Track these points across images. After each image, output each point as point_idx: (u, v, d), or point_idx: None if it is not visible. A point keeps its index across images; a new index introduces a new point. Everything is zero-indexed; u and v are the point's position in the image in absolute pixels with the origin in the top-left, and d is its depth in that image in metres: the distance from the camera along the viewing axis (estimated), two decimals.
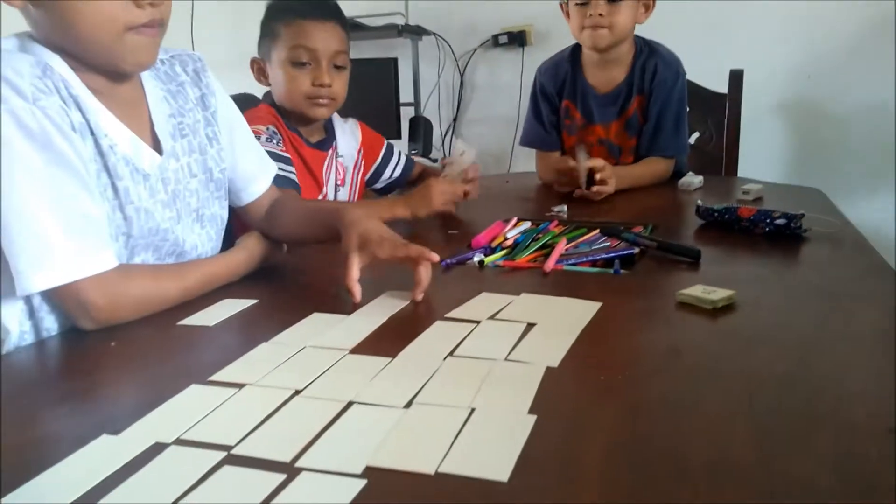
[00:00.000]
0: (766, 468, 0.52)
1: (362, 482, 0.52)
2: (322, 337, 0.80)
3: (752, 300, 0.87)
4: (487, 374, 0.69)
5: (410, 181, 1.70)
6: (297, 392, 0.66)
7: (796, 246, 1.11)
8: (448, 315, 0.84)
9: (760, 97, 2.53)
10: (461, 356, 0.73)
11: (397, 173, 1.67)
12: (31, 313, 0.90)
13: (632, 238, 1.10)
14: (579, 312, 0.84)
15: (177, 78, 1.04)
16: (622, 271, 1.01)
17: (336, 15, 1.44)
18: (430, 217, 1.37)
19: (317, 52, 1.40)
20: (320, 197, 1.46)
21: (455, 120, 3.20)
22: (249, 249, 1.05)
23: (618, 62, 1.72)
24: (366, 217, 0.97)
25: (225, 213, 1.10)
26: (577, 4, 1.65)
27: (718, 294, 0.85)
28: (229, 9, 3.16)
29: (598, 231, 1.18)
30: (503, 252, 1.13)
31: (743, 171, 2.02)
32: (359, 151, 1.60)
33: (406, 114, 3.00)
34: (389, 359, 0.73)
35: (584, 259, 1.06)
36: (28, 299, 0.89)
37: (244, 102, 1.28)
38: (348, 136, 1.59)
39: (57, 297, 0.86)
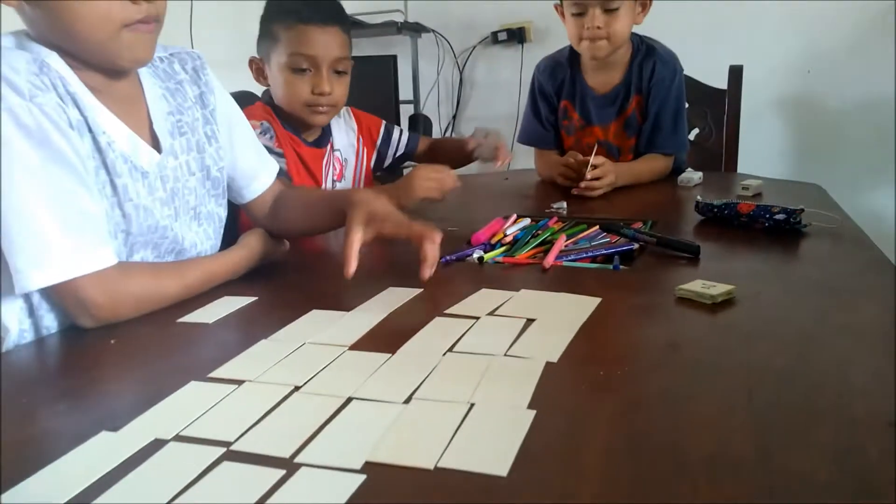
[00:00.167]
0: (766, 462, 0.52)
1: (361, 477, 0.52)
2: (321, 333, 0.80)
3: (752, 295, 0.86)
4: (487, 369, 0.68)
5: (419, 156, 1.69)
6: (297, 388, 0.66)
7: (796, 241, 1.11)
8: (447, 311, 0.84)
9: (760, 93, 2.53)
10: (460, 352, 0.73)
11: (400, 151, 1.67)
12: (31, 311, 0.90)
13: (631, 234, 1.10)
14: (579, 308, 0.84)
15: (175, 76, 1.04)
16: (622, 267, 1.01)
17: (338, 18, 1.40)
18: (418, 205, 1.31)
19: (317, 59, 1.37)
20: None
21: (454, 117, 3.20)
22: (250, 247, 1.05)
23: (616, 63, 1.72)
24: (374, 197, 0.98)
25: (223, 212, 1.10)
26: (573, 14, 1.63)
27: (718, 289, 0.84)
28: (230, 7, 3.16)
29: (597, 227, 1.18)
30: (503, 248, 1.13)
31: (742, 166, 2.02)
32: (358, 139, 1.59)
33: (405, 111, 3.00)
34: (389, 355, 0.73)
35: (584, 255, 1.06)
36: (27, 297, 0.89)
37: (243, 100, 1.27)
38: (344, 128, 1.58)
39: (56, 295, 0.86)
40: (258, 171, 1.15)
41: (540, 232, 1.18)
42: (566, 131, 1.81)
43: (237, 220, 1.25)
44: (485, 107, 3.13)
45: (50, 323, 0.90)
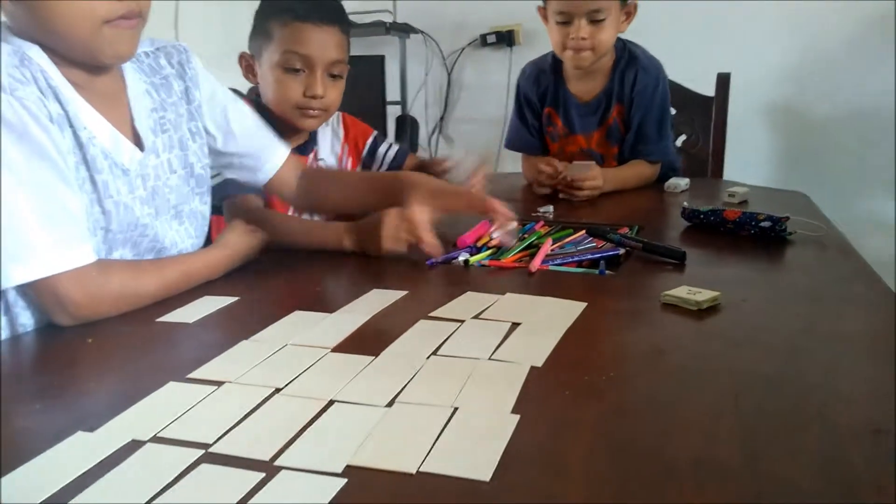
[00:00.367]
0: (751, 468, 0.51)
1: (342, 481, 0.51)
2: (303, 335, 0.79)
3: (737, 302, 0.86)
4: (471, 373, 0.68)
5: None
6: (278, 390, 0.65)
7: (781, 249, 1.11)
8: (432, 314, 0.84)
9: (747, 100, 2.54)
10: (444, 355, 0.72)
11: (385, 167, 1.55)
12: (6, 309, 0.88)
13: (617, 239, 1.10)
14: (564, 312, 0.84)
15: (161, 71, 1.03)
16: (607, 272, 1.01)
17: (338, 18, 1.32)
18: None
19: (311, 60, 1.29)
20: None
21: (442, 119, 3.20)
22: (231, 246, 1.03)
23: (598, 72, 1.71)
24: (427, 177, 1.04)
25: (206, 210, 1.08)
26: (558, 23, 1.62)
27: (703, 295, 0.84)
28: (216, 3, 3.14)
29: (584, 232, 1.18)
30: (489, 252, 1.12)
31: (729, 173, 2.03)
32: (343, 147, 1.55)
33: (392, 112, 3.00)
34: (372, 357, 0.72)
35: (570, 259, 1.06)
36: (3, 295, 0.87)
37: None
38: (330, 135, 1.51)
39: (34, 292, 0.84)
40: (268, 150, 1.14)
41: (526, 236, 1.18)
42: (551, 138, 1.81)
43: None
44: (473, 109, 3.13)
45: (26, 321, 0.89)
